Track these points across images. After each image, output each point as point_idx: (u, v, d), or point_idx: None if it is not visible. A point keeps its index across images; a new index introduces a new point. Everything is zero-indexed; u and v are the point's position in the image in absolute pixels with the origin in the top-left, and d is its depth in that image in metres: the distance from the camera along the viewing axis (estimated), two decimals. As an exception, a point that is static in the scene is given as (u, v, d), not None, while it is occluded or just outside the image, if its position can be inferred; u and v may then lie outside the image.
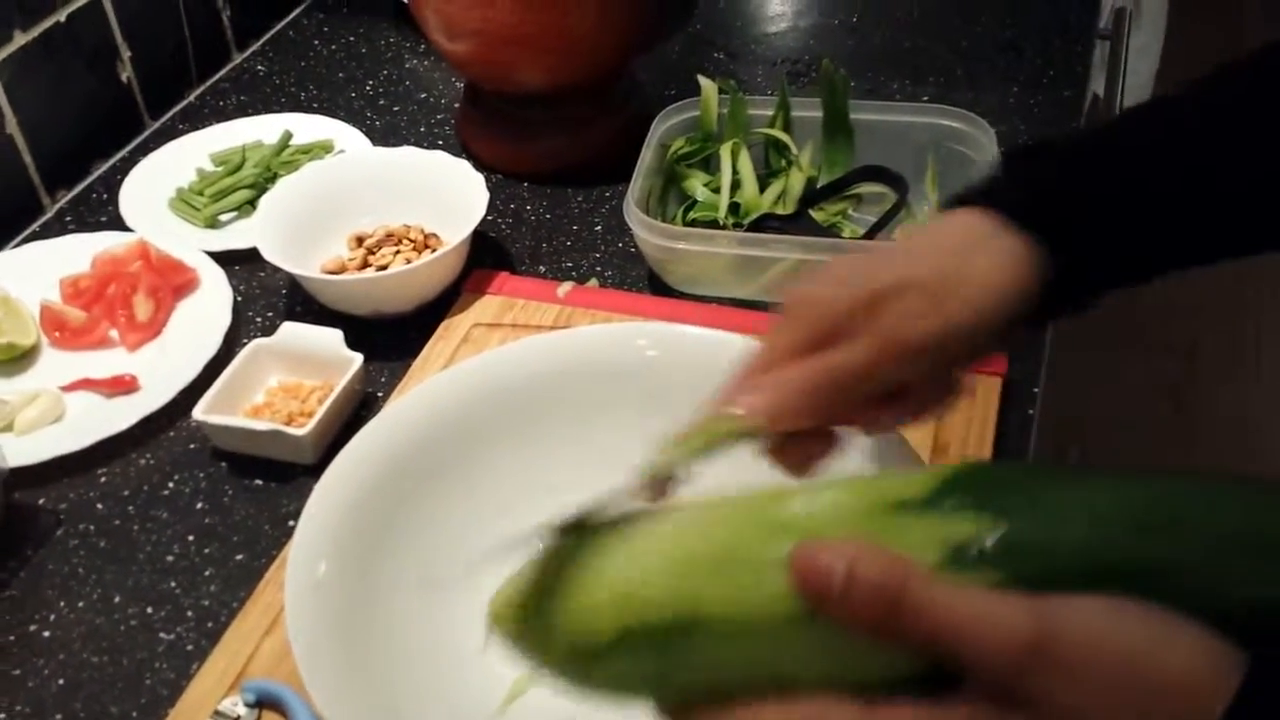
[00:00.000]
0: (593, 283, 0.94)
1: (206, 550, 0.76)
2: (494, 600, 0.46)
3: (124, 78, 1.13)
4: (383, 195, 0.97)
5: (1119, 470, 0.42)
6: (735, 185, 0.98)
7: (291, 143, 1.09)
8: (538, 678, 0.45)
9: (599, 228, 1.01)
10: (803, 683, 0.40)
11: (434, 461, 0.70)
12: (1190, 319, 2.22)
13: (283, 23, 1.32)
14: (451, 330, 0.88)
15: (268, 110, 1.16)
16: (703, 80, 1.00)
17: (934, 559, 0.40)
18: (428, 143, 1.10)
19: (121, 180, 1.06)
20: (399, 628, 0.63)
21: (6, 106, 1.01)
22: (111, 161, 1.12)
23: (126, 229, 0.99)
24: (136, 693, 0.68)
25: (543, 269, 0.96)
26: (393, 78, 1.22)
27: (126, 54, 1.13)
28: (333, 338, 0.84)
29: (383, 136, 1.12)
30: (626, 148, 0.98)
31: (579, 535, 0.45)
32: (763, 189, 0.99)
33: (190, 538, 0.76)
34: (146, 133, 1.16)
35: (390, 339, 0.89)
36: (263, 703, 0.65)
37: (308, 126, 1.11)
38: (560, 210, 1.03)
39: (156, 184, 1.05)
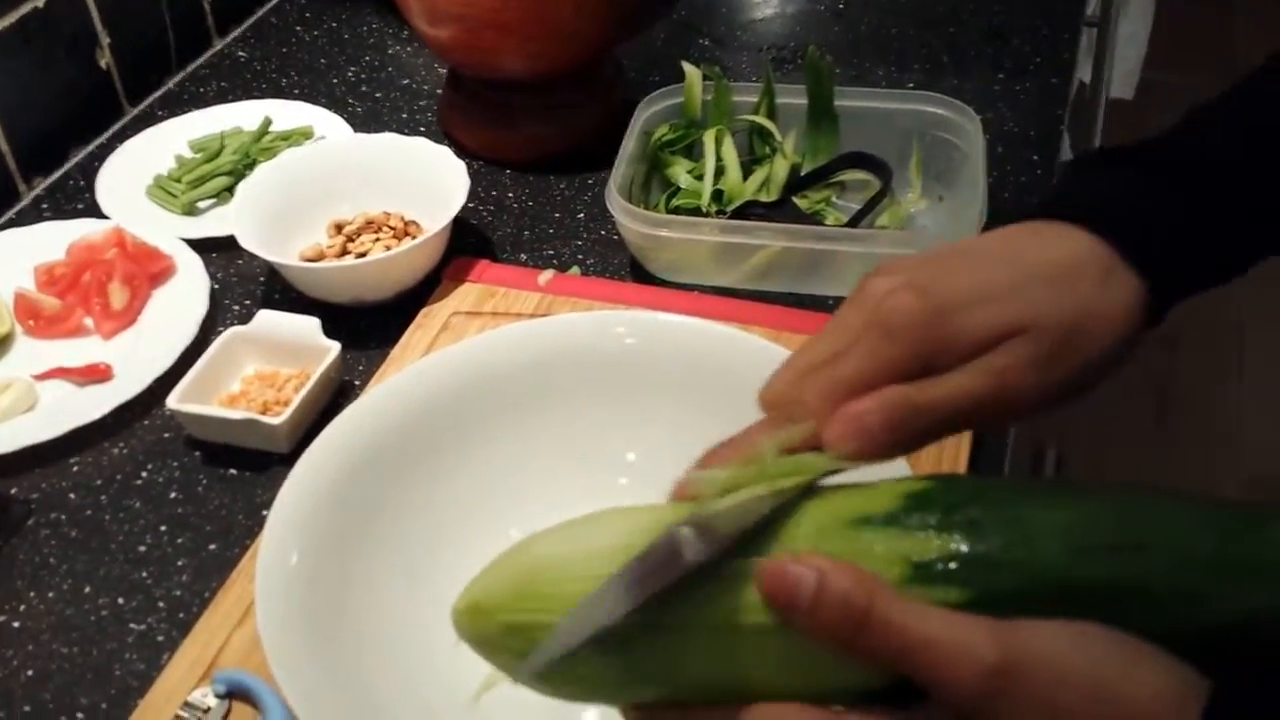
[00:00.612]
0: (574, 270, 0.93)
1: (179, 540, 0.75)
2: (457, 603, 0.45)
3: (103, 64, 1.12)
4: (362, 182, 0.96)
5: (1088, 487, 0.42)
6: (719, 172, 0.97)
7: (272, 129, 1.07)
8: (504, 676, 0.44)
9: (581, 215, 1.00)
10: (769, 691, 0.40)
11: (409, 450, 0.69)
12: (1173, 315, 2.22)
13: (264, 8, 1.31)
14: (431, 318, 0.87)
15: (248, 97, 1.15)
16: (687, 66, 0.99)
17: (898, 575, 0.39)
18: (410, 129, 1.09)
19: (99, 167, 1.04)
20: (371, 619, 0.63)
21: (-18, 92, 1.00)
22: (89, 148, 1.11)
23: (103, 216, 0.98)
24: (106, 683, 0.67)
25: (524, 257, 0.95)
26: (375, 64, 1.21)
27: (106, 40, 1.11)
28: (310, 326, 0.83)
29: (364, 123, 1.11)
30: (610, 135, 0.97)
31: (544, 538, 0.45)
32: (746, 176, 0.98)
33: (163, 528, 0.76)
34: (125, 119, 1.14)
35: (369, 327, 0.88)
36: (233, 694, 0.64)
37: (288, 113, 1.10)
38: (542, 197, 1.02)
39: (134, 171, 1.04)
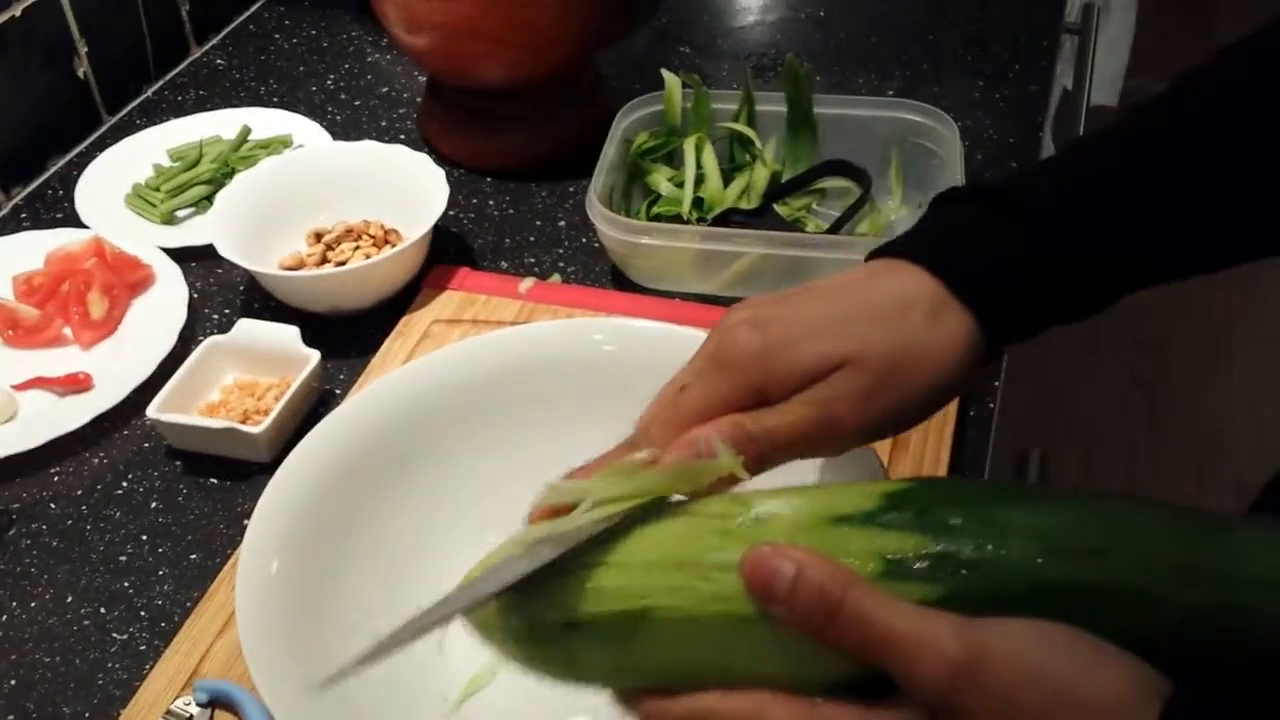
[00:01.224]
0: (555, 278, 0.93)
1: (160, 550, 0.75)
2: (461, 584, 0.47)
3: (81, 73, 1.12)
4: (342, 190, 0.96)
5: (1062, 492, 0.43)
6: (699, 180, 0.97)
7: (250, 138, 1.07)
8: (499, 660, 0.46)
9: (562, 223, 1.00)
10: (748, 680, 0.42)
11: (390, 458, 0.69)
12: (1161, 315, 2.23)
13: (242, 16, 1.31)
14: (411, 327, 0.87)
15: (227, 105, 1.15)
16: (666, 74, 0.99)
17: (872, 571, 0.41)
18: (389, 137, 1.09)
19: (78, 176, 1.04)
20: (352, 626, 0.62)
21: (-41, 101, 1.00)
22: (68, 157, 1.11)
23: (83, 225, 0.98)
24: (89, 693, 0.67)
25: (505, 264, 0.96)
26: (354, 72, 1.21)
27: (83, 49, 1.11)
28: (289, 334, 0.83)
29: (344, 131, 1.11)
30: (590, 142, 0.97)
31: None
32: (727, 184, 0.98)
33: (144, 537, 0.75)
34: (103, 128, 1.14)
35: (349, 336, 0.88)
36: (215, 703, 0.64)
37: (267, 121, 1.10)
38: (523, 205, 1.02)
39: (113, 180, 1.04)
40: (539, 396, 0.72)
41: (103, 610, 0.71)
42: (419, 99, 1.13)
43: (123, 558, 0.74)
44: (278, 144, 1.07)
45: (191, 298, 0.91)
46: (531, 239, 0.98)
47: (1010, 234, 0.51)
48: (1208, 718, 0.37)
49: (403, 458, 0.69)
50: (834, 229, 0.93)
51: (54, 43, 1.08)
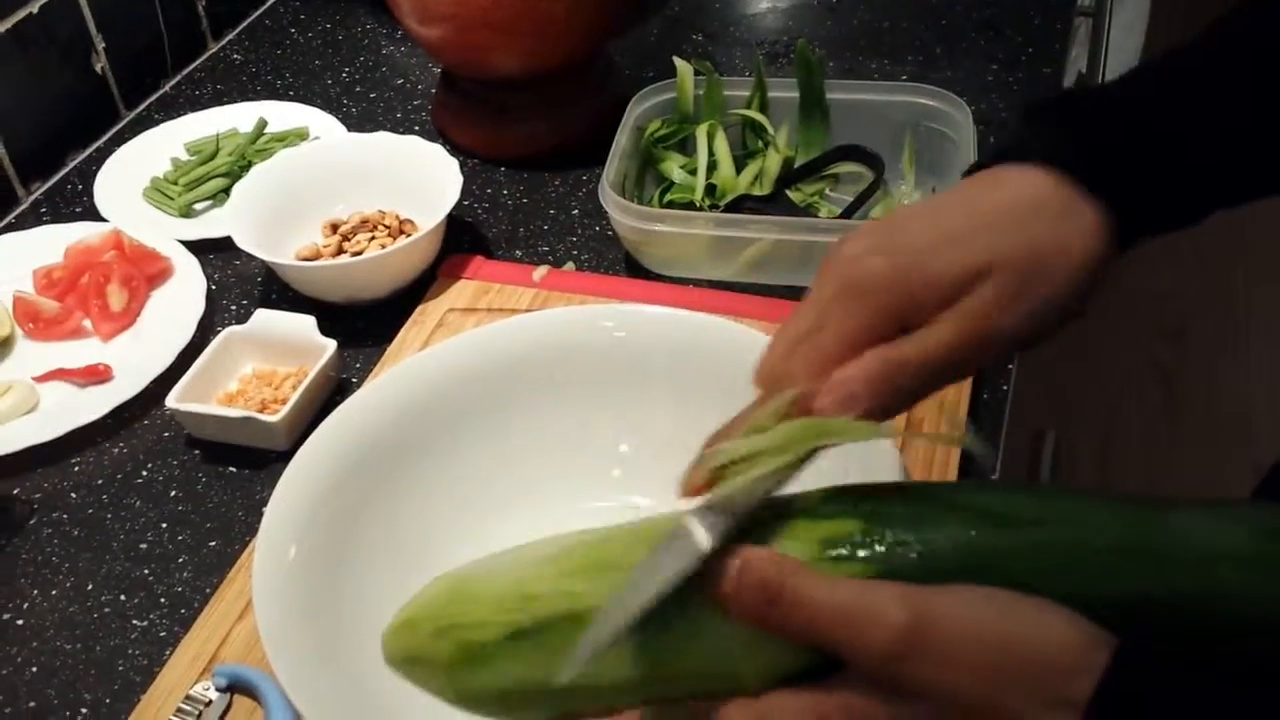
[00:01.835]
0: (569, 266, 0.94)
1: (180, 537, 0.75)
2: (385, 632, 0.47)
3: (99, 68, 1.13)
4: (357, 181, 0.97)
5: (1017, 486, 0.43)
6: (712, 167, 0.98)
7: (267, 130, 1.08)
8: (431, 696, 0.45)
9: (575, 211, 1.00)
10: (696, 681, 0.41)
11: (405, 444, 0.69)
12: (1180, 302, 2.22)
13: (258, 11, 1.32)
14: (426, 315, 0.88)
15: (244, 99, 1.15)
16: (678, 61, 0.99)
17: (810, 554, 0.41)
18: (404, 128, 1.10)
19: (96, 171, 1.05)
20: (369, 611, 0.63)
21: (-21, 98, 1.01)
22: (87, 152, 1.12)
23: (101, 219, 0.99)
24: (109, 679, 0.68)
25: (519, 253, 0.96)
26: (369, 64, 1.21)
27: (101, 45, 1.12)
28: (306, 324, 0.84)
29: (359, 123, 1.11)
30: (603, 131, 0.97)
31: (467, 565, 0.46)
32: (739, 170, 0.98)
33: (163, 525, 0.76)
34: (122, 123, 1.15)
35: (365, 325, 0.89)
36: (234, 687, 0.65)
37: (283, 114, 1.11)
38: (536, 194, 1.02)
39: (131, 174, 1.05)
40: (553, 383, 0.72)
41: (123, 598, 0.72)
42: (433, 90, 1.13)
43: (143, 546, 0.75)
44: (294, 136, 1.07)
45: (209, 289, 0.92)
46: (545, 227, 0.99)
47: (1125, 129, 0.50)
48: (1157, 666, 0.37)
49: (418, 444, 0.70)
50: (847, 214, 0.93)
51: (72, 38, 1.09)
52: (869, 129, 0.98)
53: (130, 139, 1.09)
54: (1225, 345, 2.19)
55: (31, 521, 0.77)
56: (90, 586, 0.73)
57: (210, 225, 0.99)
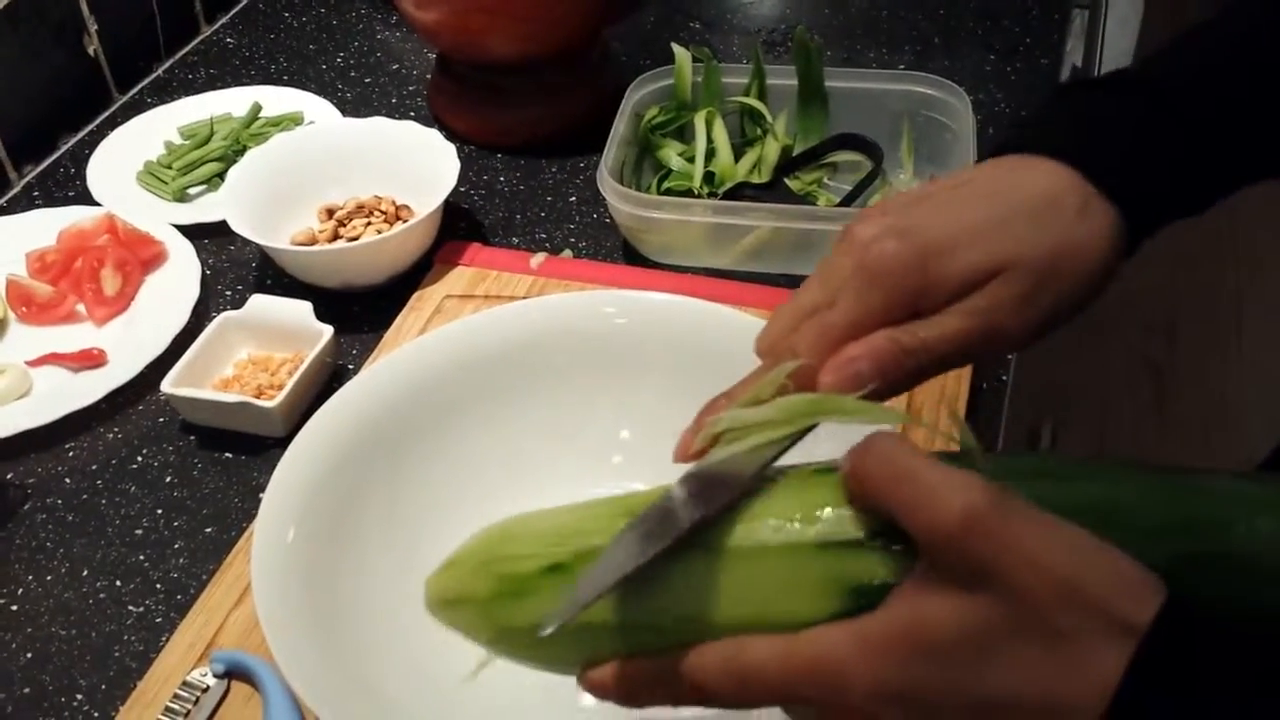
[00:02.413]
0: (566, 253, 0.93)
1: (175, 523, 0.75)
2: (428, 578, 0.47)
3: (91, 51, 1.12)
4: (353, 167, 0.96)
5: (1025, 452, 0.44)
6: (710, 154, 0.97)
7: (261, 115, 1.07)
8: (468, 637, 0.46)
9: (573, 198, 1.00)
10: (726, 630, 0.41)
11: (403, 429, 0.69)
12: (1171, 298, 2.23)
13: (253, -5, 1.31)
14: (423, 302, 0.88)
15: (237, 83, 1.15)
16: (677, 48, 0.99)
17: (845, 501, 0.41)
18: (399, 114, 1.09)
19: (89, 154, 1.04)
20: (368, 595, 0.63)
21: (-30, 80, 1.00)
22: (79, 136, 1.11)
23: (94, 203, 0.98)
24: (105, 665, 0.67)
25: (516, 240, 0.95)
26: (364, 49, 1.20)
27: (94, 27, 1.11)
28: (302, 310, 0.83)
29: (354, 108, 1.11)
30: (601, 118, 0.97)
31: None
32: (738, 158, 0.98)
33: (159, 511, 0.76)
34: (114, 106, 1.14)
35: (362, 311, 0.88)
36: (231, 673, 0.64)
37: (278, 99, 1.10)
38: (534, 181, 1.02)
39: (124, 158, 1.04)
40: (552, 369, 0.72)
41: (118, 584, 0.72)
42: (429, 75, 1.13)
43: (138, 531, 0.75)
44: (289, 121, 1.07)
45: (204, 274, 0.91)
46: (542, 214, 0.98)
47: (1146, 123, 0.50)
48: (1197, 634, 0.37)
49: (415, 430, 0.69)
50: (845, 203, 0.93)
51: (65, 21, 1.08)
52: (867, 117, 0.97)
53: (123, 122, 1.08)
54: (1215, 340, 2.20)
55: (25, 507, 0.77)
56: (85, 572, 0.72)
57: (204, 210, 0.98)
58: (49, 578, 0.72)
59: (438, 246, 0.92)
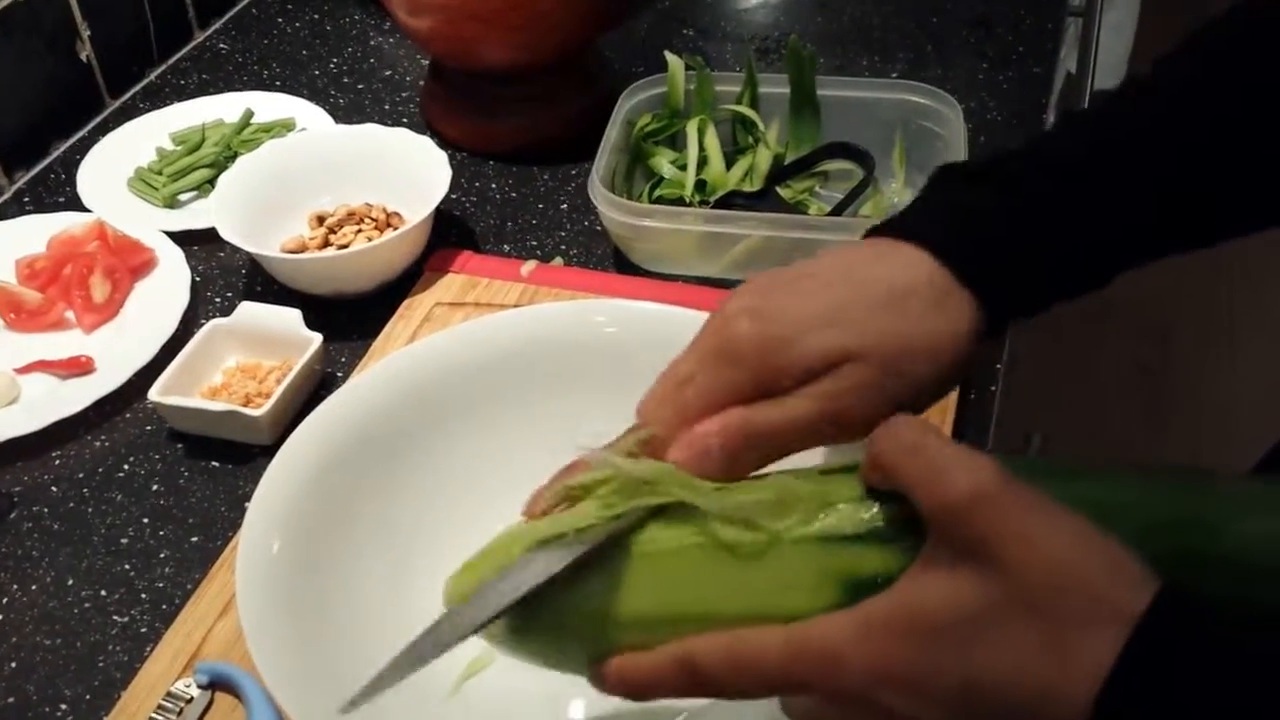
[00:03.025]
0: (557, 261, 0.93)
1: (161, 533, 0.75)
2: (448, 578, 0.48)
3: (84, 56, 1.11)
4: (344, 174, 0.96)
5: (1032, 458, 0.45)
6: (702, 162, 0.97)
7: (253, 121, 1.07)
8: (480, 629, 0.46)
9: (564, 206, 1.00)
10: (727, 622, 0.42)
11: (391, 439, 0.69)
12: (1164, 303, 2.23)
13: (246, 0, 1.30)
14: (413, 309, 0.87)
15: (230, 89, 1.14)
16: (669, 56, 0.99)
17: (851, 494, 0.43)
18: (392, 121, 1.09)
19: (80, 160, 1.04)
20: (353, 607, 0.63)
21: (-39, 85, 1.00)
22: (70, 141, 1.10)
23: (85, 209, 0.98)
24: (89, 675, 0.67)
25: (507, 248, 0.95)
26: (357, 55, 1.20)
27: (86, 32, 1.11)
28: (291, 317, 0.83)
29: (347, 115, 1.10)
30: (593, 125, 0.97)
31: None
32: (729, 166, 0.98)
33: (145, 520, 0.75)
34: (106, 112, 1.14)
35: (351, 319, 0.88)
36: (216, 684, 0.64)
37: (270, 105, 1.10)
38: (525, 188, 1.02)
39: (116, 164, 1.04)
40: (541, 378, 0.72)
41: (104, 593, 0.71)
42: (422, 82, 1.12)
43: (124, 540, 0.74)
44: (280, 127, 1.06)
45: (194, 281, 0.91)
46: (534, 222, 0.98)
47: (1012, 216, 0.50)
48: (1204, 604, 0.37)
49: (404, 439, 0.69)
50: (837, 211, 0.92)
51: (57, 26, 1.08)
52: (860, 126, 0.97)
53: (115, 128, 1.08)
54: (1209, 347, 2.20)
55: (11, 515, 0.76)
56: (71, 581, 0.72)
57: (195, 216, 0.98)
58: (34, 587, 0.72)
59: (428, 254, 0.92)
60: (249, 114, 1.07)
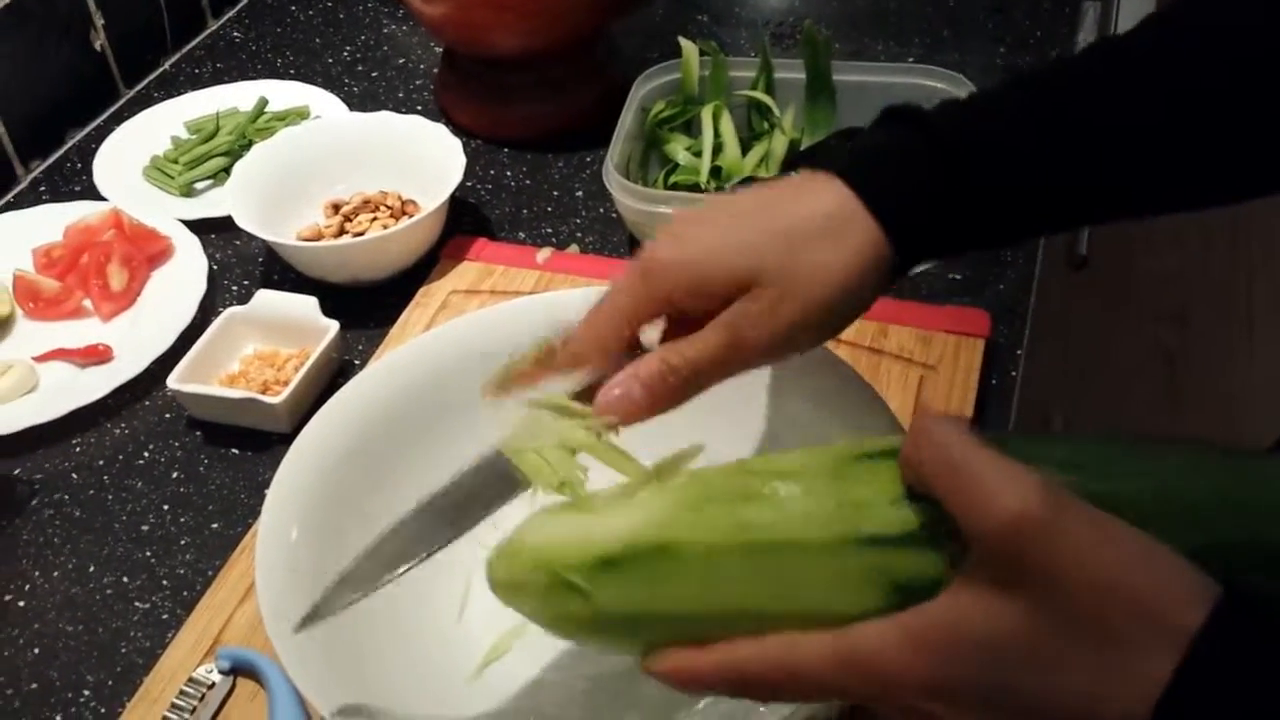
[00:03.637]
0: (573, 248, 0.93)
1: (182, 519, 0.75)
2: (491, 557, 0.47)
3: (98, 46, 1.12)
4: (359, 161, 0.96)
5: (1091, 434, 0.43)
6: (717, 148, 0.97)
7: (268, 109, 1.07)
8: (525, 621, 0.47)
9: (579, 193, 0.99)
10: (776, 620, 0.41)
11: (408, 425, 0.69)
12: (1183, 286, 2.21)
13: (260, -11, 1.31)
14: (429, 297, 0.87)
15: (244, 77, 1.14)
16: (683, 41, 0.98)
17: (893, 494, 0.41)
18: (406, 108, 1.09)
19: (96, 149, 1.04)
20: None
21: (-23, 75, 1.00)
22: (86, 131, 1.11)
23: (101, 198, 0.98)
24: (112, 661, 0.67)
25: (522, 235, 0.95)
26: (370, 43, 1.20)
27: (100, 22, 1.11)
28: (308, 305, 0.83)
29: (360, 103, 1.10)
30: (607, 112, 0.96)
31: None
32: (745, 152, 0.97)
33: (165, 507, 0.76)
34: (121, 101, 1.14)
35: (368, 306, 0.88)
36: (237, 670, 0.64)
37: (284, 93, 1.10)
38: (540, 175, 1.02)
39: (131, 153, 1.04)
40: (557, 365, 0.72)
41: (125, 579, 0.72)
42: (435, 70, 1.12)
43: (144, 527, 0.75)
44: (295, 115, 1.06)
45: (211, 269, 0.91)
46: (549, 209, 0.98)
47: (932, 161, 0.51)
48: (1264, 611, 0.36)
49: (421, 426, 0.69)
50: (853, 197, 0.92)
51: (71, 16, 1.08)
52: (876, 111, 0.95)
53: (130, 117, 1.09)
54: (1229, 328, 2.19)
55: (33, 502, 0.77)
56: (92, 568, 0.72)
57: (211, 205, 0.98)
58: (55, 574, 0.72)
59: (444, 241, 0.92)
60: (263, 102, 1.07)
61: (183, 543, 0.73)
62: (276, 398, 0.77)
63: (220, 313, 0.84)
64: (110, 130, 1.07)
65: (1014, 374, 0.80)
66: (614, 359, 0.51)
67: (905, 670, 0.38)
